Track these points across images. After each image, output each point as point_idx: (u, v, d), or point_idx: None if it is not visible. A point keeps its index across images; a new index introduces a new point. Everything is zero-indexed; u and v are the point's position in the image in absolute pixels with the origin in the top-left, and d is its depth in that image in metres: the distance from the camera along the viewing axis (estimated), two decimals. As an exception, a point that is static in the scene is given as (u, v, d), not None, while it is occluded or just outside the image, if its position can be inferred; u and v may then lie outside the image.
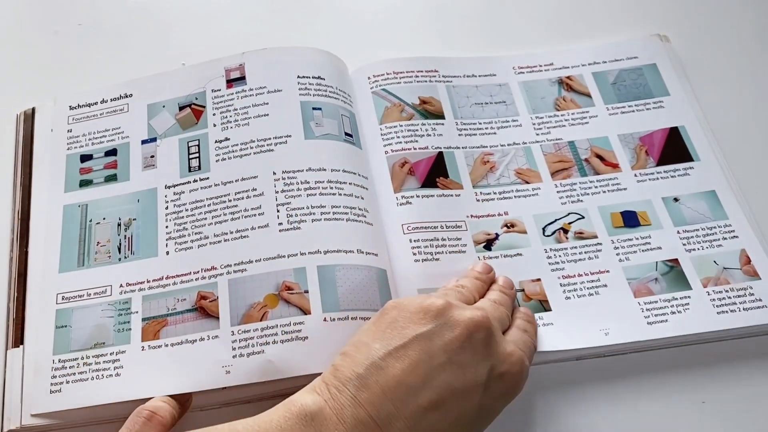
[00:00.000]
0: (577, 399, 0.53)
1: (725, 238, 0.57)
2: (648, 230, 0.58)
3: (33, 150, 0.63)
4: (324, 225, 0.56)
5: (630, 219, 0.59)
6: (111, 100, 0.65)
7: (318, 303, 0.52)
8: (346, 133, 0.61)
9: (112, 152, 0.62)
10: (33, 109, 0.65)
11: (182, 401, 0.50)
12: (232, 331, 0.52)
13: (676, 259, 0.57)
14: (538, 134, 0.64)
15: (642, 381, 0.54)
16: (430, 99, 0.64)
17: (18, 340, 0.53)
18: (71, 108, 0.65)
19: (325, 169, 0.58)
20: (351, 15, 0.75)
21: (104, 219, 0.58)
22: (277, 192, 0.57)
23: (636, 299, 0.55)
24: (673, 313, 0.54)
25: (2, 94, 0.68)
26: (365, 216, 0.57)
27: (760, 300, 0.55)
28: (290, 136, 0.60)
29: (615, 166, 0.62)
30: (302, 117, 0.61)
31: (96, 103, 0.65)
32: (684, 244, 0.57)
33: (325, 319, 0.52)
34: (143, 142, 0.62)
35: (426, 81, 0.65)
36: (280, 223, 0.56)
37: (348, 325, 0.52)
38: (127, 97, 0.65)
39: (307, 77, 0.63)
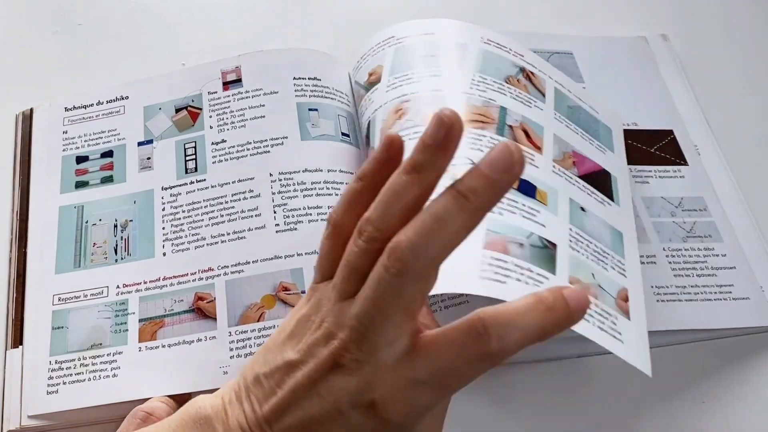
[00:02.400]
0: (576, 398, 0.53)
1: (613, 269, 0.51)
2: (541, 207, 0.51)
3: (31, 151, 0.63)
4: (320, 226, 0.56)
5: (527, 187, 0.51)
6: (107, 102, 0.65)
7: None
8: (343, 133, 0.61)
9: (108, 154, 0.62)
10: (31, 110, 0.65)
11: (180, 401, 0.50)
12: (230, 332, 0.52)
13: (555, 244, 0.49)
14: (471, 88, 0.57)
15: (642, 381, 0.54)
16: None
17: (17, 340, 0.53)
18: (67, 110, 0.65)
19: (321, 170, 0.58)
20: (351, 15, 0.75)
21: (100, 220, 0.59)
22: (273, 193, 0.57)
23: (483, 250, 0.46)
24: (519, 280, 0.46)
25: (2, 94, 0.68)
26: None
27: (619, 333, 0.47)
28: (286, 137, 0.60)
29: (537, 148, 0.55)
30: (298, 118, 0.61)
31: (92, 105, 0.65)
32: (570, 241, 0.50)
33: None
34: (140, 144, 0.62)
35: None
36: (277, 224, 0.56)
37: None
38: (123, 99, 0.65)
39: (302, 78, 0.63)
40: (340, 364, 0.34)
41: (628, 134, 0.64)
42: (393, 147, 0.35)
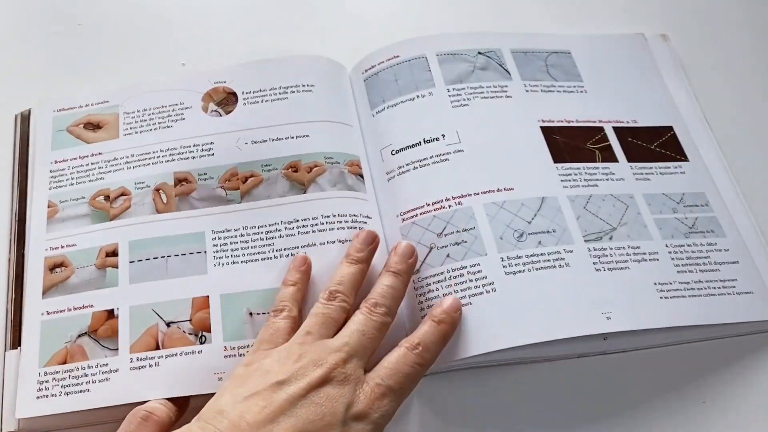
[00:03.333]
0: (576, 398, 0.53)
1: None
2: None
3: (29, 152, 0.63)
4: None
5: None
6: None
7: None
8: None
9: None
10: (29, 110, 0.65)
11: (179, 404, 0.50)
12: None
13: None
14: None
15: (642, 381, 0.54)
16: None
17: (16, 341, 0.53)
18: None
19: None
20: (351, 15, 0.76)
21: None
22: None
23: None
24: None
25: (1, 94, 0.68)
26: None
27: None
28: None
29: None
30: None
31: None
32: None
33: None
34: None
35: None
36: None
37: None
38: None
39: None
40: (330, 378, 0.46)
41: (628, 131, 0.64)
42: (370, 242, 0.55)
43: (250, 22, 0.75)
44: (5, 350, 0.54)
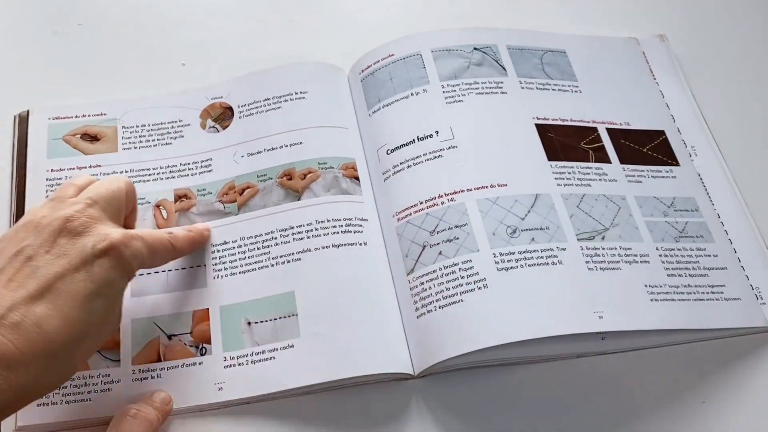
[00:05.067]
0: (576, 398, 0.53)
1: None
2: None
3: (27, 153, 0.63)
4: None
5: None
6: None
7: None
8: None
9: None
10: (27, 112, 0.65)
11: (165, 412, 0.51)
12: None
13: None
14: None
15: (642, 381, 0.54)
16: None
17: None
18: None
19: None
20: (351, 14, 0.75)
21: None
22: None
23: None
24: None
25: (1, 94, 0.68)
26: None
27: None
28: None
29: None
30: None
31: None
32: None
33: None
34: None
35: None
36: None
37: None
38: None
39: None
40: (71, 227, 0.45)
41: (621, 133, 0.64)
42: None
43: (250, 21, 0.74)
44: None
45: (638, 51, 0.71)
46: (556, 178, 0.60)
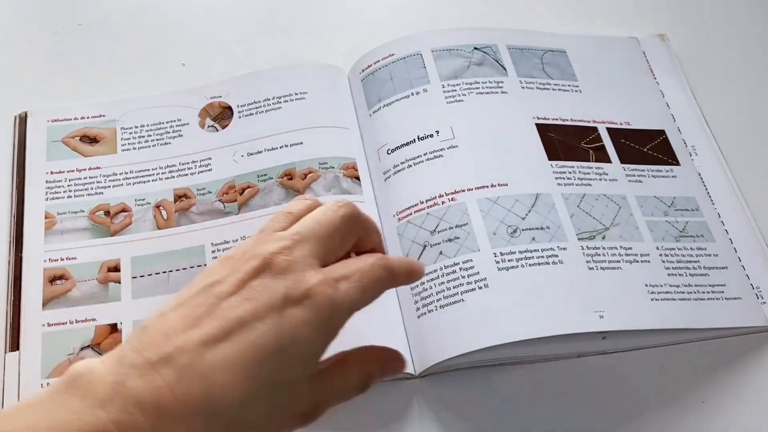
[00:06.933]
0: (576, 398, 0.53)
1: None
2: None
3: (26, 154, 0.63)
4: None
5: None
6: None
7: None
8: None
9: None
10: (26, 113, 0.65)
11: None
12: None
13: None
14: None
15: (642, 381, 0.54)
16: None
17: (15, 344, 0.54)
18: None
19: None
20: (352, 14, 0.75)
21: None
22: None
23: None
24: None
25: (1, 95, 0.67)
26: None
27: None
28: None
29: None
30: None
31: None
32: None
33: None
34: None
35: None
36: None
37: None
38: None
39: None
40: (268, 266, 0.37)
41: (621, 133, 0.64)
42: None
43: (250, 21, 0.74)
44: (5, 352, 0.54)
45: (638, 51, 0.71)
46: (556, 178, 0.60)
